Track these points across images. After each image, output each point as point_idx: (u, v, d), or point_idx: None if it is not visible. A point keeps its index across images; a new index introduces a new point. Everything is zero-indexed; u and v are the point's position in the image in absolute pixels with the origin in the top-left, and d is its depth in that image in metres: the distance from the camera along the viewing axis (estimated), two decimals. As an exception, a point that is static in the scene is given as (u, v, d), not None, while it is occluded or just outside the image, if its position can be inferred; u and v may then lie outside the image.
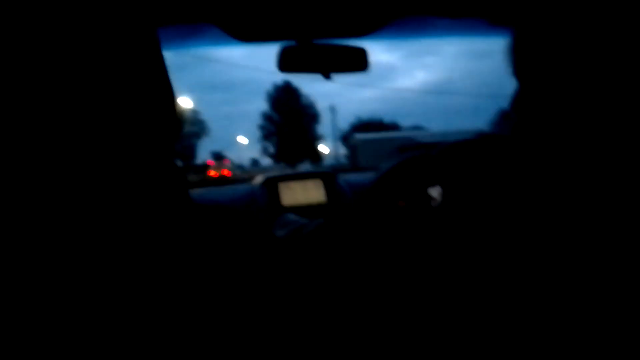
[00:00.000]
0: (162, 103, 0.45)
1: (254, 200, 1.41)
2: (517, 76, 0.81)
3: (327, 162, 35.50)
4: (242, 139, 45.45)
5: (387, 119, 42.24)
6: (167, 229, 0.43)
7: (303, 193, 1.44)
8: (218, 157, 26.41)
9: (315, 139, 35.24)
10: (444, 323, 1.07)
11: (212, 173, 22.26)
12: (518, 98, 1.01)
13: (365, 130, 34.40)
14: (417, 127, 36.35)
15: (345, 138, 38.49)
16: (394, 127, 39.73)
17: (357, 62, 1.20)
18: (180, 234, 0.44)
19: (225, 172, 22.62)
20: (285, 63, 1.20)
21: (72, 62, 0.38)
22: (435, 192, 1.24)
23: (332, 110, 29.98)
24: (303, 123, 34.10)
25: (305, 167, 33.90)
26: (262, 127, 34.79)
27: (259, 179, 1.52)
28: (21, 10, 0.37)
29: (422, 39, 1.21)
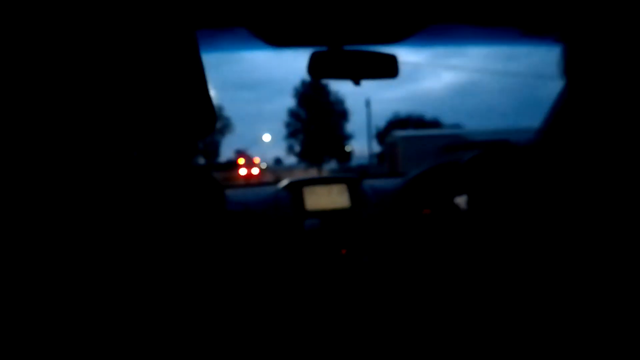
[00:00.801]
0: (198, 99, 0.49)
1: (277, 203, 1.48)
2: (568, 85, 0.84)
3: (356, 161, 35.15)
4: (267, 137, 45.94)
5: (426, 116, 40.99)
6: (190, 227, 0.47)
7: (327, 198, 1.50)
8: (242, 155, 26.31)
9: (343, 137, 34.86)
10: (463, 326, 1.11)
11: (242, 173, 21.31)
12: (562, 106, 1.03)
13: (404, 128, 32.93)
14: (456, 126, 35.33)
15: (381, 135, 37.38)
16: (435, 124, 37.94)
17: (388, 68, 1.26)
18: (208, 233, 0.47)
19: (255, 172, 21.71)
20: (316, 68, 1.27)
21: (109, 61, 0.42)
22: (461, 200, 1.29)
23: (368, 104, 28.13)
24: (331, 121, 33.78)
25: (331, 166, 33.76)
26: (288, 124, 34.69)
27: (284, 182, 1.59)
28: (61, 10, 0.40)
29: (451, 46, 1.26)
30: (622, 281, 0.60)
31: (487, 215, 1.26)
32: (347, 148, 35.05)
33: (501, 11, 1.16)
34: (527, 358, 0.75)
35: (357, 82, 1.27)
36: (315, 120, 33.45)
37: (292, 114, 34.43)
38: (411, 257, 1.38)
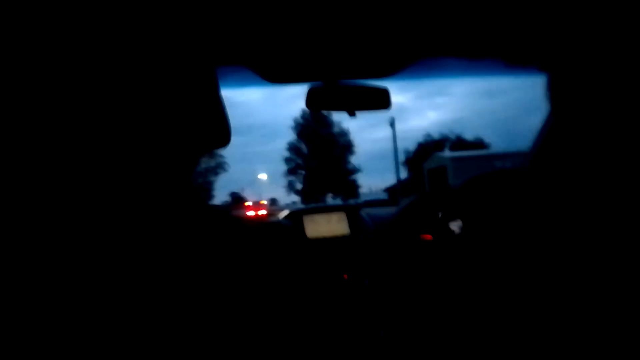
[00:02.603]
0: (211, 109, 0.60)
1: None
2: (553, 111, 0.96)
3: (364, 198, 34.37)
4: (263, 176, 46.05)
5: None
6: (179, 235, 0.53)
7: (327, 225, 1.70)
8: (237, 198, 26.36)
9: (349, 171, 34.71)
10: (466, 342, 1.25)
11: (250, 214, 21.46)
12: (549, 132, 1.16)
13: (439, 150, 30.21)
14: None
15: (411, 161, 34.57)
16: (479, 145, 34.56)
17: (381, 101, 1.48)
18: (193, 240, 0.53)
19: (263, 213, 22.02)
20: (313, 102, 1.49)
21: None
22: (456, 225, 1.47)
23: (392, 124, 23.87)
24: (335, 154, 33.83)
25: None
26: (287, 160, 34.76)
27: (283, 213, 1.80)
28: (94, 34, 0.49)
29: (440, 78, 1.48)
30: (614, 304, 0.65)
31: (481, 239, 1.43)
32: (354, 182, 34.34)
33: (485, 43, 1.37)
34: None
35: (352, 114, 1.48)
36: (318, 154, 33.37)
37: (292, 148, 34.44)
38: (409, 279, 1.56)
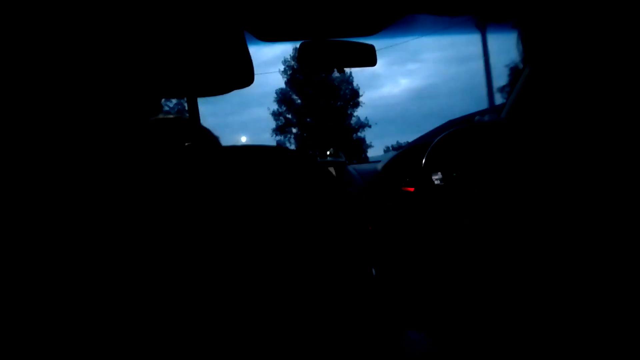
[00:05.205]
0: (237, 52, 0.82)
1: None
2: (527, 64, 1.22)
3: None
4: (242, 139, 45.56)
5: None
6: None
7: None
8: None
9: (353, 128, 33.00)
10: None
11: None
12: (524, 85, 1.54)
13: None
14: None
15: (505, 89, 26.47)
16: None
17: (367, 57, 1.94)
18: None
19: None
20: (305, 58, 1.95)
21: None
22: (436, 177, 1.96)
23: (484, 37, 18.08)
24: (336, 106, 31.92)
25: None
26: (275, 115, 32.64)
27: None
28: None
29: (421, 36, 1.94)
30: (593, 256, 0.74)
31: (460, 188, 1.88)
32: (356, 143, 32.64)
33: (462, 1, 1.81)
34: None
35: (341, 71, 1.95)
36: (314, 107, 31.50)
37: (282, 98, 32.35)
38: (395, 225, 2.07)
